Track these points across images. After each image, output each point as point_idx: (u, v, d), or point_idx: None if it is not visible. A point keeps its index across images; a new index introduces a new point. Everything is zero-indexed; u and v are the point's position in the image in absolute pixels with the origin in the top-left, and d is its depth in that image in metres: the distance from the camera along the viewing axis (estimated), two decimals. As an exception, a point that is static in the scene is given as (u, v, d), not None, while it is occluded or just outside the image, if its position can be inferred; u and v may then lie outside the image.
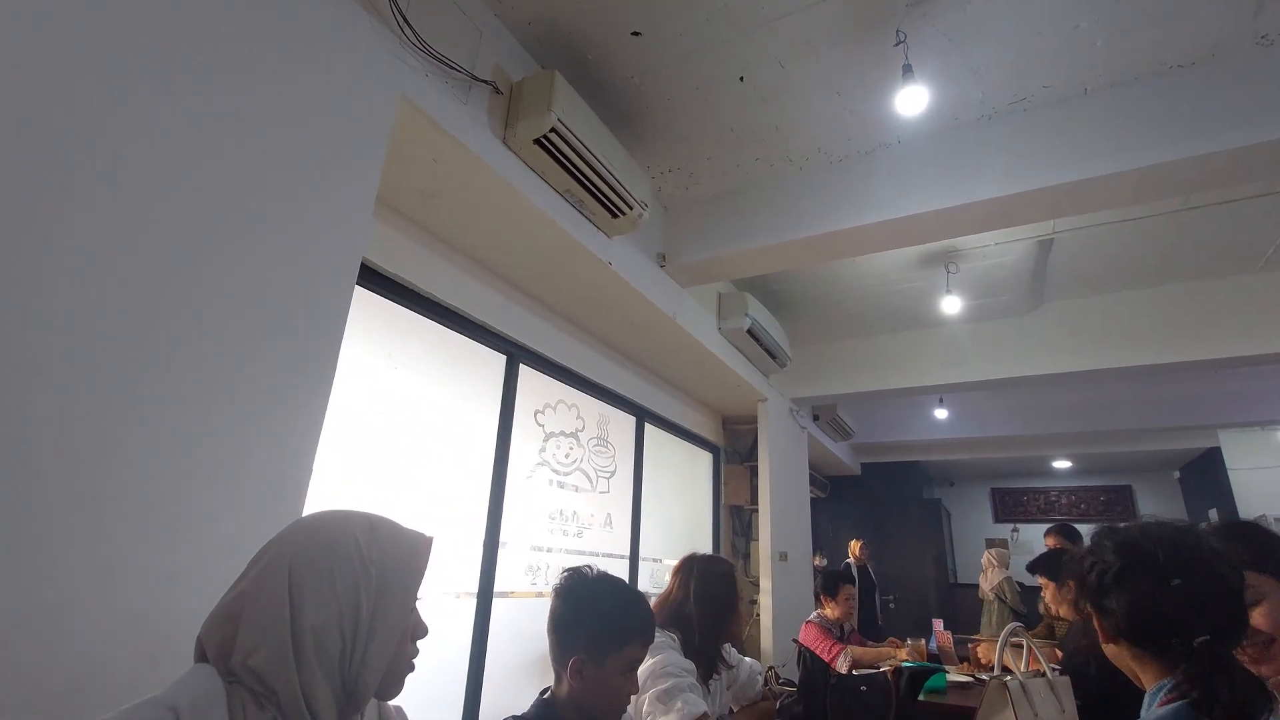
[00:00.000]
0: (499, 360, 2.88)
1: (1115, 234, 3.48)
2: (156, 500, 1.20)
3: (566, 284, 2.88)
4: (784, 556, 4.57)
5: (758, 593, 4.44)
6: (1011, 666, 1.51)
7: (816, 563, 6.08)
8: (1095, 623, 0.86)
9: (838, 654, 2.77)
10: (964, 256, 3.67)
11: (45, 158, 1.08)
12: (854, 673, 1.85)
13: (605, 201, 2.46)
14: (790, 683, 2.90)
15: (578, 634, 1.18)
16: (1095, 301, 4.18)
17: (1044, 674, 1.52)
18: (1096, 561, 0.90)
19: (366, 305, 2.24)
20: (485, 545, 2.61)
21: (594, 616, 1.19)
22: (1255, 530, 1.08)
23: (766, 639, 4.19)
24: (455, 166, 2.08)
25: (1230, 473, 7.24)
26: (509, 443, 2.79)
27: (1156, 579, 0.83)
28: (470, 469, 2.64)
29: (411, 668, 0.79)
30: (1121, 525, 0.93)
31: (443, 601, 2.44)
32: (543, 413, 3.10)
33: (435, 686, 2.37)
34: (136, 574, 1.16)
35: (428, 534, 0.81)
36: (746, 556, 4.82)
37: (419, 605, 0.80)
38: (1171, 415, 6.19)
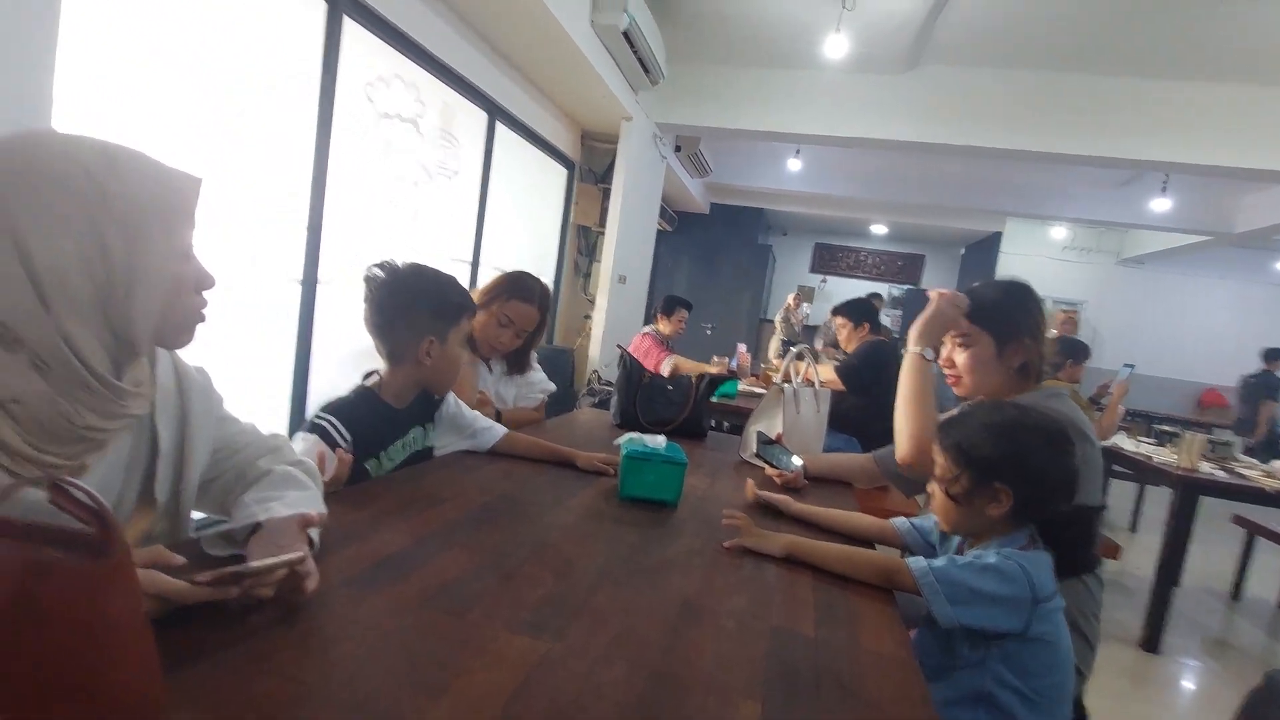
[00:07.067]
0: (318, 8, 2.34)
1: (1005, 1, 3.40)
2: None
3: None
4: (623, 279, 4.82)
5: (592, 309, 4.76)
6: (791, 377, 1.81)
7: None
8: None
9: (665, 358, 3.28)
10: (862, -8, 3.42)
11: None
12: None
13: None
14: (609, 383, 3.32)
15: (419, 319, 1.24)
16: (961, 74, 4.25)
17: (812, 385, 1.85)
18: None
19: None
20: (309, 229, 2.40)
21: (428, 300, 1.26)
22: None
23: (595, 348, 4.61)
24: None
25: (1001, 255, 8.61)
26: (331, 116, 2.41)
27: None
28: (288, 141, 2.28)
29: (201, 318, 0.73)
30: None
31: (269, 287, 2.30)
32: (374, 86, 2.67)
33: (264, 369, 2.36)
34: None
35: (195, 174, 0.68)
36: (587, 275, 5.02)
37: (197, 254, 0.71)
38: (977, 198, 6.96)
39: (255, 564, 0.63)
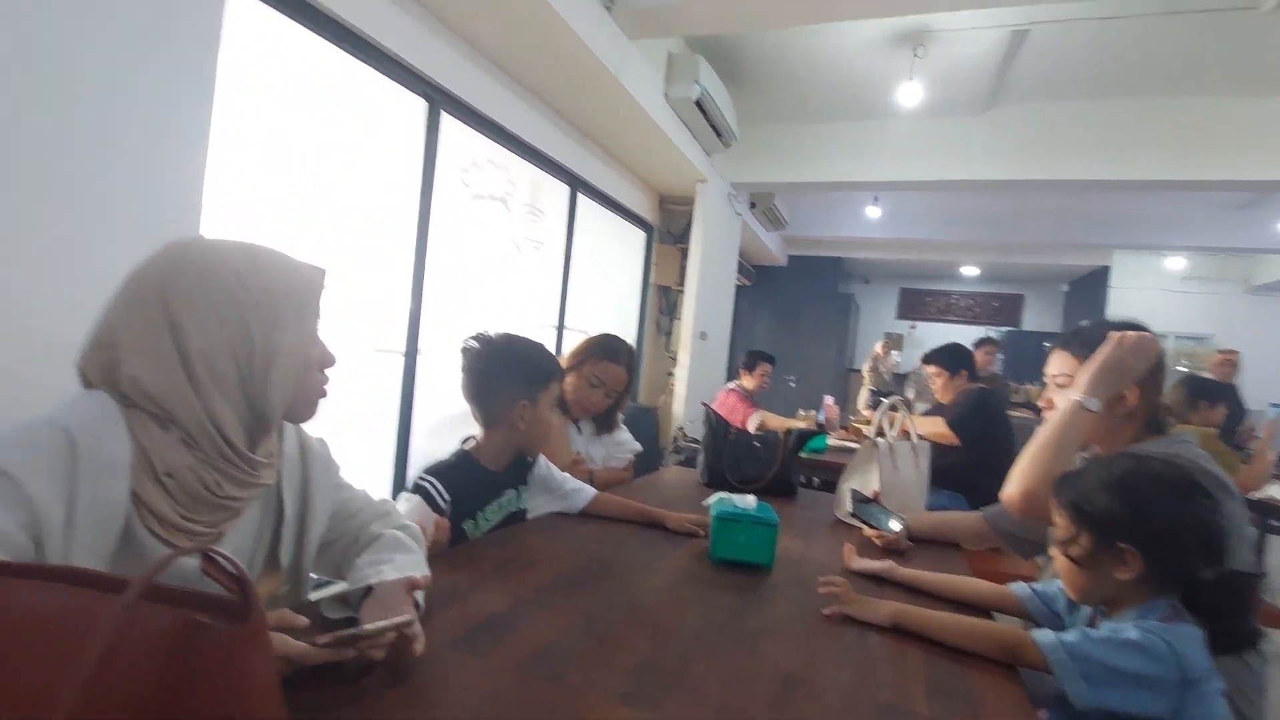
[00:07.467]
0: (419, 106, 2.59)
1: (1089, 32, 3.29)
2: (25, 227, 1.20)
3: (494, 15, 2.49)
4: (704, 336, 4.85)
5: (675, 367, 4.79)
6: (885, 430, 1.73)
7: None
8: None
9: (750, 414, 3.24)
10: (934, 39, 3.41)
11: None
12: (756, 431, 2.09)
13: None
14: (695, 440, 3.31)
15: (511, 385, 1.31)
16: (1046, 108, 4.10)
17: (909, 437, 1.76)
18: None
19: (278, 32, 1.89)
20: (411, 304, 2.59)
21: (519, 367, 1.33)
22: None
23: (679, 405, 4.62)
24: None
25: (1111, 290, 8.00)
26: (431, 201, 2.63)
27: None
28: (393, 226, 2.51)
29: (323, 393, 0.80)
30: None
31: (372, 357, 2.49)
32: (468, 171, 2.90)
33: (370, 435, 2.52)
34: (18, 299, 1.20)
35: (320, 265, 0.77)
36: (669, 334, 5.08)
37: (323, 336, 0.78)
38: (1079, 232, 6.55)
39: (368, 627, 0.67)
